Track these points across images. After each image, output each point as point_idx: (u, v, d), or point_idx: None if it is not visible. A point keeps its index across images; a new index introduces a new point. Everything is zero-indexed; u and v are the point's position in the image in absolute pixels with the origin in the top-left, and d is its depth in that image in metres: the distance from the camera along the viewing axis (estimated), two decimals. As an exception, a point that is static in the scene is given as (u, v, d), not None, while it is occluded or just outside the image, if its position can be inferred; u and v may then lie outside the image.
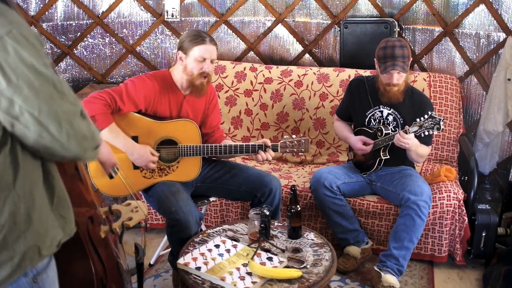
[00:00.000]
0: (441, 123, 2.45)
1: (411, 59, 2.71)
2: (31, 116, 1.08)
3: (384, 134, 2.72)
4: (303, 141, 2.54)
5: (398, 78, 2.64)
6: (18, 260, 1.15)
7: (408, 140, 2.55)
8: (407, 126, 2.58)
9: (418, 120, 2.53)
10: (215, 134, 2.74)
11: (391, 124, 2.79)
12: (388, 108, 2.79)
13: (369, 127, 2.85)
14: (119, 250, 1.77)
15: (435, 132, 2.49)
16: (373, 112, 2.84)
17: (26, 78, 1.07)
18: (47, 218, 1.21)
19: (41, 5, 4.01)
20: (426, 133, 2.51)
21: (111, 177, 1.74)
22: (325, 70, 3.63)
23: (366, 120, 2.86)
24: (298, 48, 3.95)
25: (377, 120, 2.83)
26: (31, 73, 1.07)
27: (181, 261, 2.08)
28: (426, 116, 2.50)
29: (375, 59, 2.72)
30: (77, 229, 1.37)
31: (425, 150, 2.72)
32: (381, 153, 2.77)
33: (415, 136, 2.57)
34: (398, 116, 2.78)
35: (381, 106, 2.81)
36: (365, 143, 2.79)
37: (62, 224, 1.25)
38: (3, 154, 1.12)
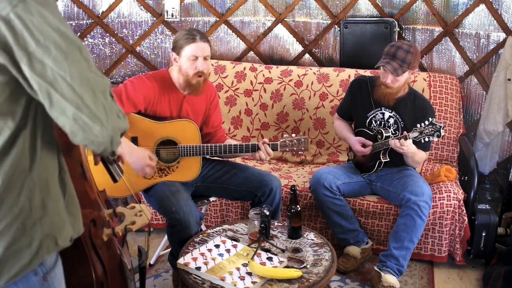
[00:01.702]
0: (442, 130, 2.44)
1: (415, 69, 2.67)
2: (64, 81, 1.05)
3: (384, 137, 2.71)
4: (302, 140, 2.54)
5: (393, 80, 2.63)
6: (36, 248, 1.16)
7: (404, 147, 2.54)
8: (405, 132, 2.57)
9: (418, 126, 2.52)
10: (218, 134, 2.74)
11: (391, 127, 2.78)
12: (390, 111, 2.78)
13: (370, 129, 2.84)
14: (123, 248, 1.77)
15: (435, 139, 2.48)
16: (374, 114, 2.83)
17: (52, 39, 1.05)
18: (62, 211, 1.22)
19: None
20: (426, 139, 2.50)
21: (115, 181, 1.72)
22: (325, 70, 3.63)
23: (367, 121, 2.85)
24: (298, 48, 3.95)
25: (378, 122, 2.82)
26: (57, 35, 1.06)
27: (181, 261, 2.08)
28: (426, 122, 2.49)
29: None
30: None
31: (422, 156, 2.70)
32: (381, 156, 2.76)
33: (414, 141, 2.56)
34: (399, 119, 2.77)
35: (382, 108, 2.80)
36: (363, 145, 2.79)
37: (72, 221, 1.26)
38: (22, 138, 1.12)
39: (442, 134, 2.44)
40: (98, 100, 1.10)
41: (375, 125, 2.83)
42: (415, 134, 2.52)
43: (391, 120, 2.79)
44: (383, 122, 2.81)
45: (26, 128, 1.12)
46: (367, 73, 3.46)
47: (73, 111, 1.07)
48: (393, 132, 2.75)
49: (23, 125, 1.12)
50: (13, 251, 1.14)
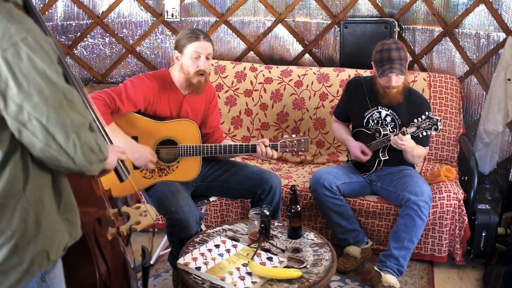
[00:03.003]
0: (439, 123, 2.45)
1: (409, 59, 2.70)
2: (39, 123, 1.08)
3: (382, 135, 2.71)
4: (303, 140, 2.54)
5: (397, 80, 2.64)
6: (27, 266, 1.16)
7: (404, 141, 2.55)
8: (404, 128, 2.58)
9: (415, 120, 2.53)
10: (215, 134, 2.74)
11: (389, 125, 2.78)
12: (386, 109, 2.79)
13: (368, 128, 2.84)
14: (127, 247, 1.77)
15: (433, 133, 2.49)
16: (371, 113, 2.84)
17: (37, 85, 1.07)
18: (55, 222, 1.22)
19: (41, 5, 4.01)
20: (424, 133, 2.51)
21: (121, 180, 1.72)
22: (325, 70, 3.63)
23: (364, 121, 2.86)
24: (298, 48, 3.95)
25: (375, 121, 2.83)
26: (43, 80, 1.08)
27: (181, 261, 2.08)
28: (423, 117, 2.50)
29: (372, 62, 2.72)
30: (83, 230, 1.37)
31: (421, 151, 2.72)
32: (380, 154, 2.76)
33: (413, 137, 2.57)
34: (396, 117, 2.78)
35: (379, 107, 2.81)
36: (363, 152, 2.79)
37: (69, 228, 1.26)
38: (14, 161, 1.13)
39: (440, 127, 2.45)
40: (70, 139, 1.12)
41: (372, 124, 2.84)
42: (413, 129, 2.53)
43: (388, 118, 2.80)
44: (380, 121, 2.82)
45: (16, 151, 1.13)
46: (367, 73, 3.46)
47: (41, 146, 1.11)
48: (391, 130, 2.75)
49: (12, 150, 1.13)
50: (2, 271, 1.13)
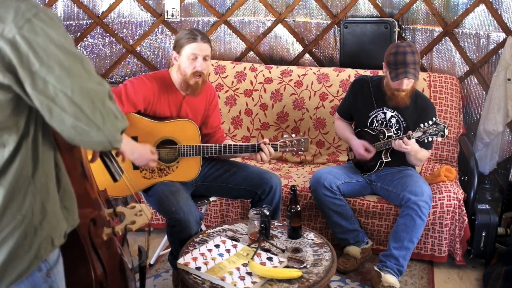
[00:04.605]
0: (446, 130, 2.45)
1: (420, 64, 2.69)
2: (65, 96, 1.09)
3: (386, 137, 2.71)
4: (302, 140, 2.54)
5: (408, 84, 2.63)
6: (35, 252, 1.17)
7: (408, 146, 2.55)
8: (410, 131, 2.58)
9: (422, 125, 2.53)
10: (216, 135, 2.74)
11: (393, 127, 2.78)
12: (392, 111, 2.78)
13: (371, 129, 2.84)
14: (124, 248, 1.77)
15: (439, 139, 2.49)
16: (376, 114, 2.83)
17: (57, 58, 1.08)
18: (57, 209, 1.24)
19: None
20: (430, 139, 2.51)
21: (115, 180, 1.71)
22: (325, 70, 3.63)
23: (369, 121, 2.85)
24: (298, 48, 3.95)
25: (380, 121, 2.82)
26: (61, 52, 1.09)
27: (181, 261, 2.08)
28: (430, 122, 2.50)
29: (383, 63, 2.70)
30: (78, 231, 1.37)
31: (424, 154, 2.72)
32: (383, 156, 2.76)
33: (417, 141, 2.57)
34: (401, 119, 2.77)
35: (384, 108, 2.80)
36: (367, 150, 2.79)
37: (66, 215, 1.28)
38: (25, 146, 1.14)
39: (446, 134, 2.45)
40: (96, 108, 1.13)
41: (376, 124, 2.83)
42: (419, 134, 2.53)
43: (393, 120, 2.79)
44: (384, 122, 2.81)
45: (28, 136, 1.15)
46: (367, 73, 3.46)
47: (72, 121, 1.11)
48: (395, 132, 2.75)
49: (26, 134, 1.14)
50: (14, 257, 1.15)
